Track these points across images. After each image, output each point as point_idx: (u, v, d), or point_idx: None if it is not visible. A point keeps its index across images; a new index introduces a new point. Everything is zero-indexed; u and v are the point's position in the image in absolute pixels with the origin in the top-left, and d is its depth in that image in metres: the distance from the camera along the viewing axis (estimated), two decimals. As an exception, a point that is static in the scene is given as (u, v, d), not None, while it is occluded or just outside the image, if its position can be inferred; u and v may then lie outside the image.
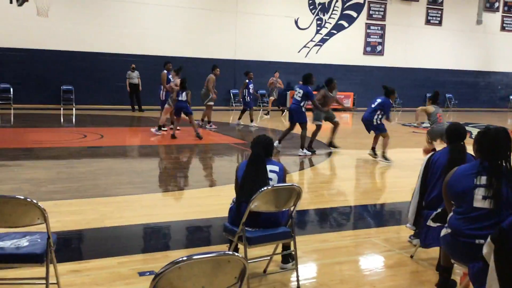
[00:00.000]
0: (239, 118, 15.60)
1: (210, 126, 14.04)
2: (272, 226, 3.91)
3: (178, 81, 12.03)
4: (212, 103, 13.87)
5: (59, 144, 10.82)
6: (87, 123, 13.69)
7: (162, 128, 12.60)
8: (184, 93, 11.64)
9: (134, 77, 18.45)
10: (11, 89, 18.27)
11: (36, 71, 18.55)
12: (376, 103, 9.97)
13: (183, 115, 11.81)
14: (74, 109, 18.62)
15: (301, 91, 10.27)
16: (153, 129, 12.61)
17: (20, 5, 11.52)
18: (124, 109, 18.33)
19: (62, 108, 18.45)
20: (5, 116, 16.14)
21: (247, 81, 15.21)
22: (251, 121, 15.11)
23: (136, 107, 18.59)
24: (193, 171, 8.99)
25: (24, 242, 3.30)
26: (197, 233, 5.52)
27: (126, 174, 8.28)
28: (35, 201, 3.12)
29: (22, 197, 3.11)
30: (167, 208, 6.27)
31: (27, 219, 3.18)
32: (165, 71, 13.01)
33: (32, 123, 13.95)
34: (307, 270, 4.36)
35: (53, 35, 18.68)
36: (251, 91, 15.29)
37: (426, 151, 9.37)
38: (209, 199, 6.86)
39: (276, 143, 10.16)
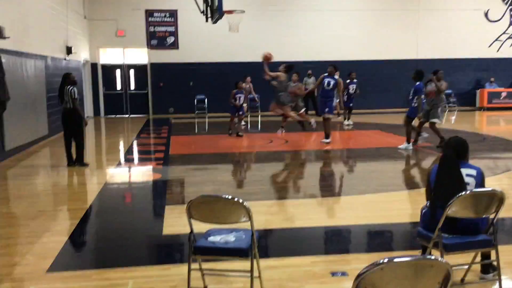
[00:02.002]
0: (348, 119, 15.92)
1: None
2: (471, 233, 3.70)
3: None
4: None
5: (249, 149, 11.66)
6: (272, 129, 14.46)
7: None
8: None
9: (310, 83, 18.92)
10: (206, 100, 20.24)
11: (225, 82, 20.20)
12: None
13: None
14: (259, 116, 19.81)
15: None
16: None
17: (214, 22, 12.69)
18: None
19: (248, 116, 19.76)
20: (201, 125, 17.91)
21: (348, 81, 15.74)
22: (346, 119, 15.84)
23: (313, 112, 19.02)
24: (377, 175, 8.89)
25: (231, 238, 3.67)
26: (382, 238, 5.47)
27: (313, 177, 8.56)
28: (241, 200, 3.44)
29: (231, 197, 3.46)
30: (352, 211, 6.32)
31: (234, 217, 3.52)
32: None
33: (224, 130, 15.19)
34: (510, 282, 4.03)
35: (240, 48, 20.19)
36: (350, 91, 15.80)
37: (273, 108, 12.88)
38: (394, 204, 6.74)
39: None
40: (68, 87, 8.99)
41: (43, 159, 10.97)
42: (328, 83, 11.52)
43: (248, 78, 16.70)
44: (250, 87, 17.08)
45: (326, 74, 11.65)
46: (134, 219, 6.08)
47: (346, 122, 15.93)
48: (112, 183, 8.26)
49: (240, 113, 13.30)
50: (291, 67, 12.74)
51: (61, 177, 8.76)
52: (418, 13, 21.16)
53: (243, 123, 14.58)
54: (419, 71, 10.80)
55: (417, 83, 10.60)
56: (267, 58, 12.49)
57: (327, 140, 11.74)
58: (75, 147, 9.22)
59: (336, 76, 11.70)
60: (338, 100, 17.77)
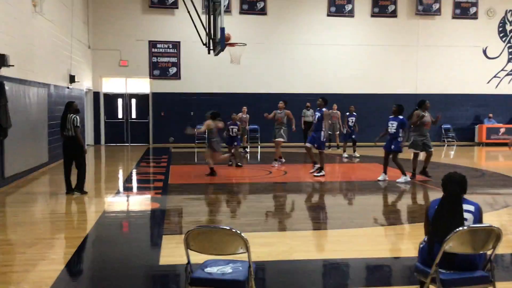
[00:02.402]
0: (354, 151, 16.26)
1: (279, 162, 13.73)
2: (468, 269, 3.69)
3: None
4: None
5: (249, 180, 11.67)
6: (271, 160, 14.48)
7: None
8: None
9: (309, 115, 19.08)
10: (206, 130, 20.31)
11: (226, 113, 20.34)
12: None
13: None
14: (259, 147, 19.88)
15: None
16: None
17: (216, 54, 12.88)
18: (298, 146, 18.83)
19: (249, 146, 19.80)
20: (201, 154, 17.87)
21: (347, 114, 16.30)
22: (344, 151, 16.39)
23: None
24: (374, 208, 8.87)
25: (228, 269, 3.66)
26: (381, 272, 5.44)
27: (311, 209, 8.55)
28: (239, 231, 3.45)
29: (228, 228, 3.47)
30: (351, 245, 6.29)
31: (232, 248, 3.52)
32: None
33: (224, 161, 15.28)
34: (509, 320, 3.99)
35: (241, 79, 20.46)
36: (350, 123, 16.25)
37: (206, 156, 12.13)
38: (392, 238, 6.73)
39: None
40: (71, 115, 9.08)
41: (42, 186, 10.97)
42: (314, 117, 11.86)
43: (244, 108, 16.94)
44: (247, 117, 17.25)
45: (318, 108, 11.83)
46: (131, 249, 6.05)
47: (345, 155, 16.09)
48: (110, 211, 8.24)
49: (236, 143, 13.57)
50: (216, 114, 12.35)
51: (59, 205, 8.75)
52: (418, 49, 21.51)
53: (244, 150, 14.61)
54: (401, 105, 11.04)
55: (401, 117, 10.89)
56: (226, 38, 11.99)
57: (320, 174, 11.76)
58: (76, 175, 9.24)
59: (324, 109, 11.67)
60: (338, 133, 17.99)
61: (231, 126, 13.57)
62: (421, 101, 11.50)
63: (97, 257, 5.90)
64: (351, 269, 5.44)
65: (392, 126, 10.82)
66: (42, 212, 8.29)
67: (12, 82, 10.29)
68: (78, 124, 9.07)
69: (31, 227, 6.99)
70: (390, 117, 11.00)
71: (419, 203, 9.19)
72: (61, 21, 14.91)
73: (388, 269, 5.53)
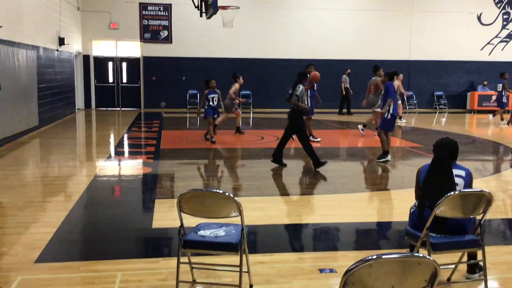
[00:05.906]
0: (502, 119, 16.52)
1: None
2: (458, 233, 3.74)
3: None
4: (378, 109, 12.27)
5: (240, 145, 11.66)
6: (264, 126, 14.48)
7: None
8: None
9: (348, 81, 19.38)
10: (198, 95, 20.20)
11: (217, 78, 20.15)
12: None
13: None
14: (251, 112, 19.82)
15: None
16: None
17: (208, 18, 12.66)
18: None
19: (240, 112, 19.73)
20: (193, 120, 17.84)
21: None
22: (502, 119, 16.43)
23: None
24: (368, 174, 8.94)
25: (221, 232, 3.68)
26: (370, 236, 5.51)
27: (302, 174, 8.58)
28: (232, 195, 3.45)
29: (222, 192, 3.47)
30: (342, 210, 6.35)
31: (225, 212, 3.53)
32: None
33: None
34: (495, 282, 4.08)
35: (234, 44, 20.19)
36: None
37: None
38: (385, 203, 6.79)
39: None
40: (297, 85, 8.65)
41: (33, 150, 10.90)
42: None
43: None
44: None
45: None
46: (123, 212, 6.07)
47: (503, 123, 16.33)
48: (102, 176, 8.23)
49: (216, 116, 11.83)
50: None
51: (51, 169, 8.72)
52: (412, 14, 21.28)
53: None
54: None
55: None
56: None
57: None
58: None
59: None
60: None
61: (211, 95, 11.50)
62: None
63: (89, 221, 5.92)
64: (341, 233, 5.50)
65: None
66: (33, 175, 8.26)
67: (1, 43, 10.08)
68: (298, 94, 8.60)
69: (23, 190, 6.98)
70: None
71: (410, 168, 9.26)
72: (49, -18, 14.53)
73: (378, 233, 5.60)
